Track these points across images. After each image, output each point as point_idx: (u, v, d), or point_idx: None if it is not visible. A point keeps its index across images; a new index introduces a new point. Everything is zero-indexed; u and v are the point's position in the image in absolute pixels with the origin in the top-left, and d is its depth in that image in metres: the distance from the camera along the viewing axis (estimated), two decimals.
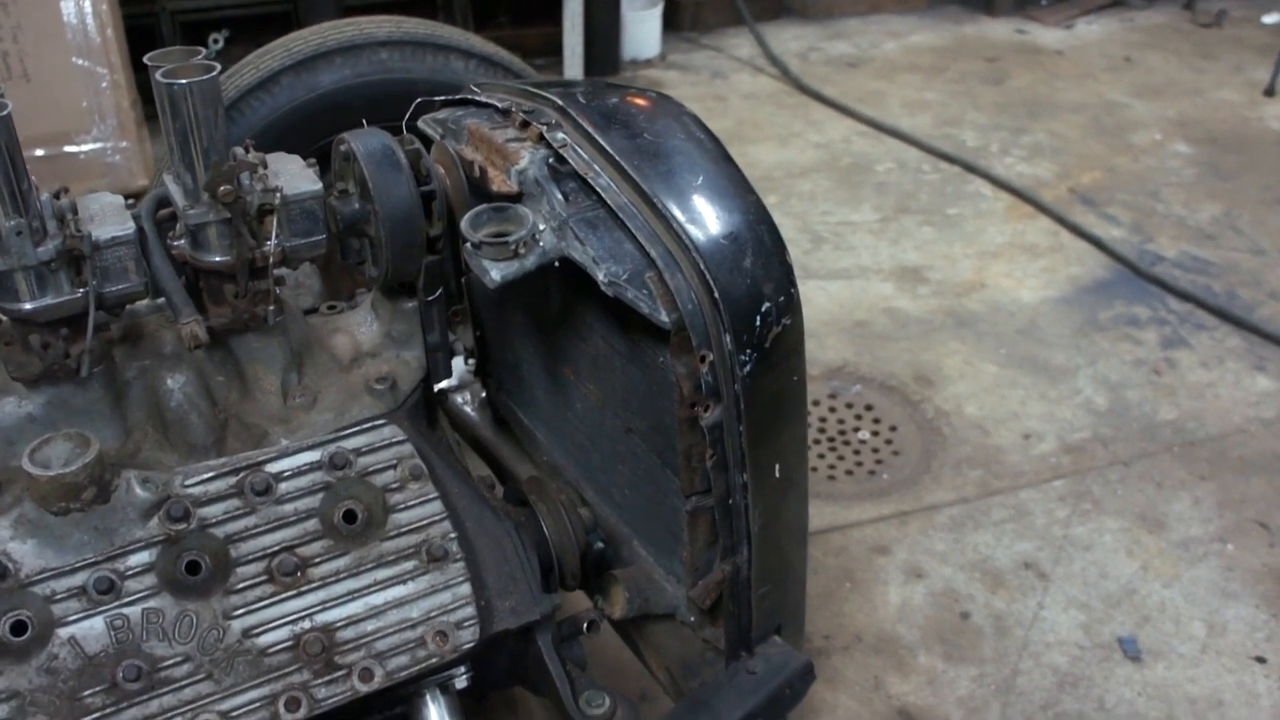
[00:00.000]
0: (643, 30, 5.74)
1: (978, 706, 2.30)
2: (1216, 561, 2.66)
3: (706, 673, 1.57)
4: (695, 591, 1.50)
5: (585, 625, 1.53)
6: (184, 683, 1.24)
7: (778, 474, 1.45)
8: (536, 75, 2.46)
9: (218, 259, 1.34)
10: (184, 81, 1.25)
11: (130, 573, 1.25)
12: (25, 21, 3.70)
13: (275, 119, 2.17)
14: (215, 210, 1.31)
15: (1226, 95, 5.36)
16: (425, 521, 1.39)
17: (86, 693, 1.20)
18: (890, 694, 2.32)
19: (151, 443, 1.41)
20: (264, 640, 1.28)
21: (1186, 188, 4.49)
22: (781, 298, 1.36)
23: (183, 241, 1.35)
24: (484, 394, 2.05)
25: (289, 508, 1.34)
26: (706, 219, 1.35)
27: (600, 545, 1.63)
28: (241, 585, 1.29)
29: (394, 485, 1.39)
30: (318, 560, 1.33)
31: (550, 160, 1.41)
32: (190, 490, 1.29)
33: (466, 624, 1.37)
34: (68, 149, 3.84)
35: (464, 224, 1.35)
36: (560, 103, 1.48)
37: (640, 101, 1.52)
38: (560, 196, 1.38)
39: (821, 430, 3.11)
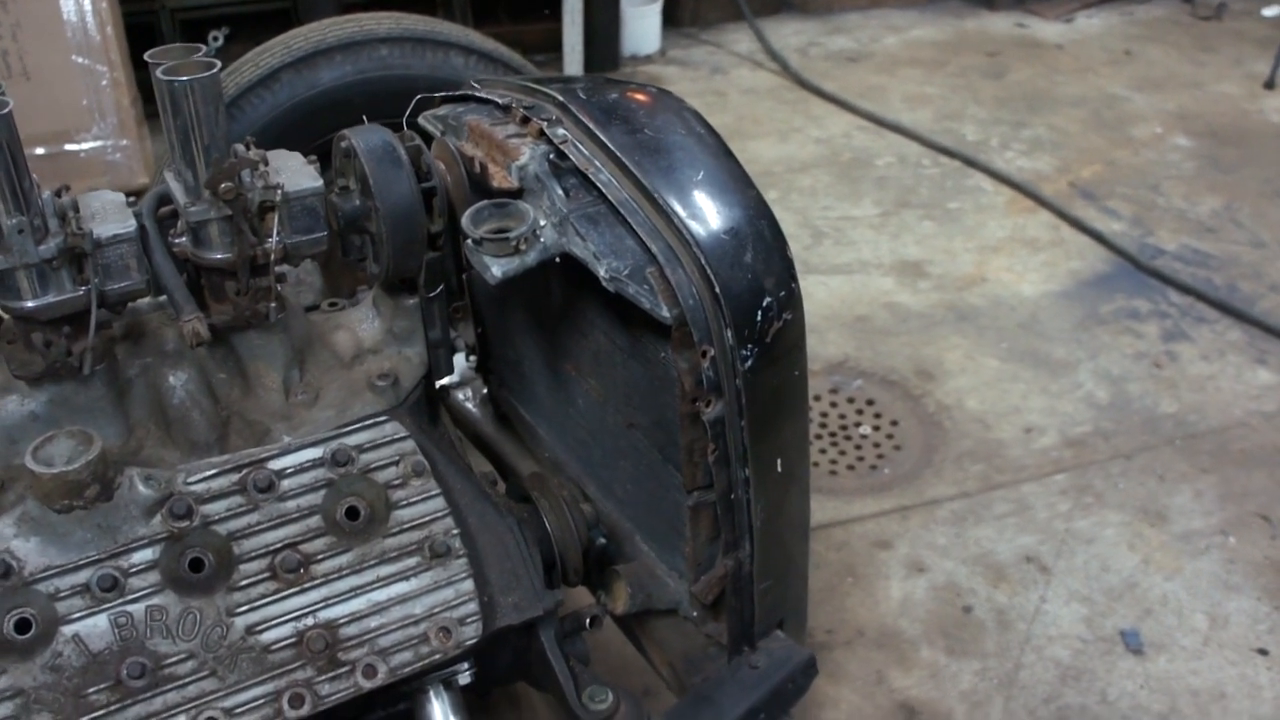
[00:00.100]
0: (642, 26, 5.73)
1: (980, 700, 2.30)
2: (1218, 554, 2.66)
3: (709, 668, 1.57)
4: (698, 586, 1.51)
5: (588, 621, 1.53)
6: (188, 680, 1.24)
7: (779, 469, 1.45)
8: (536, 71, 2.45)
9: (219, 256, 1.34)
10: (185, 79, 1.25)
11: (133, 570, 1.25)
12: (25, 19, 3.70)
13: (275, 116, 2.16)
14: (216, 207, 1.31)
15: (1227, 88, 5.36)
16: (428, 518, 1.39)
17: (91, 690, 1.20)
18: (893, 688, 2.33)
19: (154, 440, 1.41)
20: (267, 637, 1.29)
21: (1187, 181, 4.49)
22: (782, 292, 1.36)
23: (184, 239, 1.35)
24: (485, 390, 2.05)
25: (291, 504, 1.34)
26: (707, 214, 1.35)
27: (602, 541, 1.63)
28: (244, 582, 1.29)
29: (396, 482, 1.39)
30: (320, 557, 1.33)
31: (551, 156, 1.41)
32: (193, 487, 1.29)
33: (469, 620, 1.37)
34: (68, 147, 3.84)
35: (465, 220, 1.35)
36: (560, 98, 1.47)
37: (640, 97, 1.52)
38: (561, 192, 1.38)
39: (823, 425, 3.12)
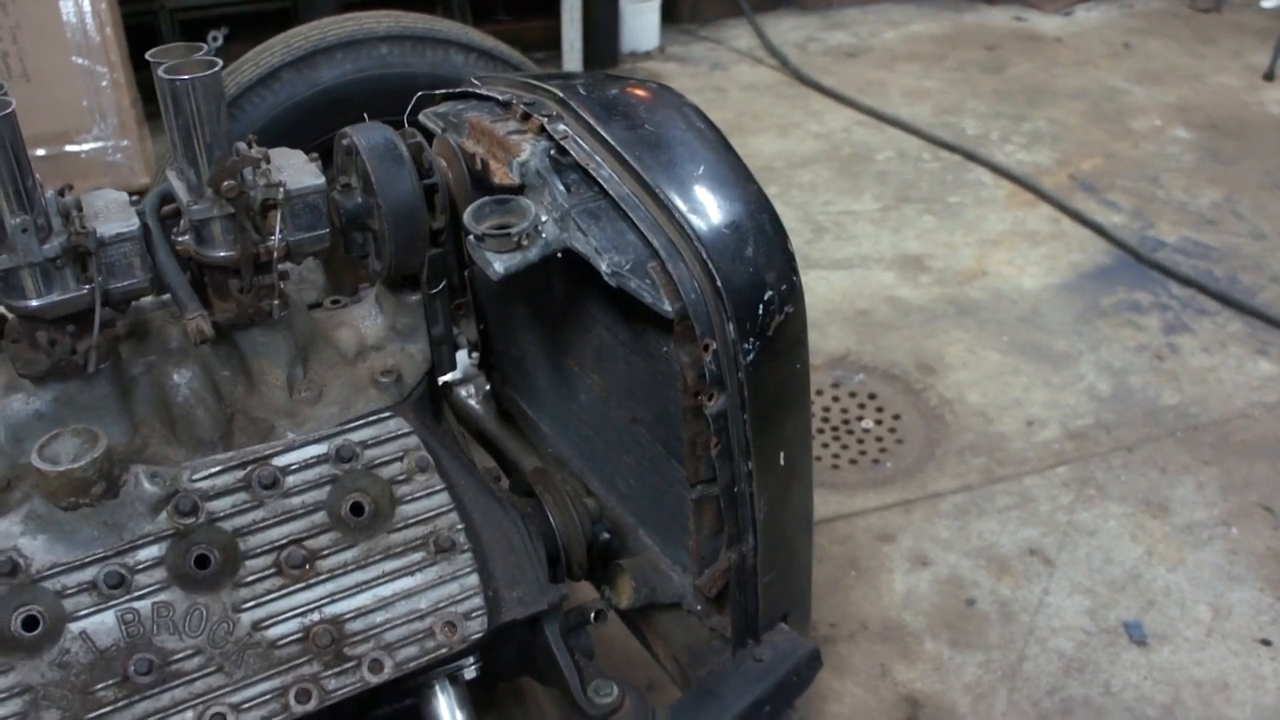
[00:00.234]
0: (641, 22, 5.74)
1: (984, 692, 2.30)
2: (1221, 545, 2.67)
3: (713, 661, 1.57)
4: (701, 580, 1.51)
5: (592, 615, 1.54)
6: (195, 676, 1.25)
7: (782, 462, 1.45)
8: (536, 68, 2.46)
9: (222, 254, 1.35)
10: (186, 77, 1.26)
11: (140, 567, 1.25)
12: (25, 21, 3.70)
13: (276, 115, 2.17)
14: (219, 206, 1.32)
15: (1226, 80, 5.36)
16: (432, 513, 1.40)
17: (98, 686, 1.21)
18: (897, 681, 2.33)
19: (159, 438, 1.42)
20: (273, 633, 1.29)
21: (1187, 173, 4.49)
22: (784, 286, 1.36)
23: (187, 237, 1.35)
24: (488, 387, 2.05)
25: (296, 501, 1.34)
26: (708, 208, 1.35)
27: (606, 535, 1.63)
28: (250, 578, 1.30)
29: (401, 477, 1.40)
30: (326, 553, 1.34)
31: (551, 152, 1.41)
32: (198, 484, 1.30)
33: (475, 615, 1.37)
34: (69, 148, 3.84)
35: (466, 217, 1.35)
36: (561, 94, 1.48)
37: (641, 92, 1.52)
38: (562, 188, 1.39)
39: (825, 419, 3.12)
